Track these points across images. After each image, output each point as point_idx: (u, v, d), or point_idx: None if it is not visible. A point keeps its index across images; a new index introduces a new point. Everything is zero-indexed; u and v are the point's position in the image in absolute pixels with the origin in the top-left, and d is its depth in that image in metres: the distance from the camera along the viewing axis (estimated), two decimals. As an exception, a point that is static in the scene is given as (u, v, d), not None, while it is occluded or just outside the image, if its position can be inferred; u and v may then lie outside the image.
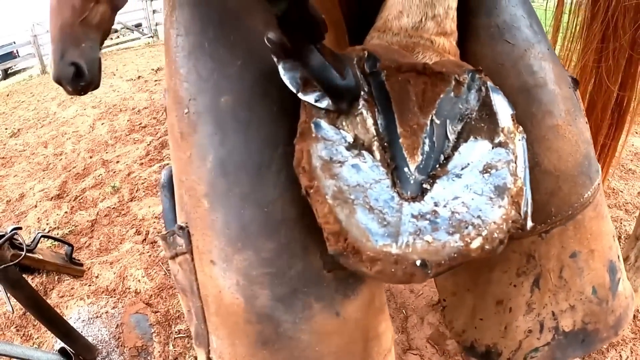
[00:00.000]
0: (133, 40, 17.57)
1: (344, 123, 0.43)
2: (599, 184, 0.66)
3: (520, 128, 0.43)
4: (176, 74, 0.59)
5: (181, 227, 0.57)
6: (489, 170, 0.40)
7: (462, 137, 0.43)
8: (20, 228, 1.52)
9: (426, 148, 0.42)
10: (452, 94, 0.46)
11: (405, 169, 0.41)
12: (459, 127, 0.44)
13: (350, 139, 0.42)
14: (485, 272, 0.67)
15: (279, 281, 0.49)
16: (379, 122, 0.44)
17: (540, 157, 0.60)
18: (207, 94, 0.55)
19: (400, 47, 0.56)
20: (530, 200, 0.38)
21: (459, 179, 0.40)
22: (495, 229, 0.36)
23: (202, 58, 0.57)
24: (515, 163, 0.40)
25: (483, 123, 0.44)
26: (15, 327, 2.34)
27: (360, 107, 0.45)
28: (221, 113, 0.53)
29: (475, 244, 0.36)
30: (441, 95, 0.46)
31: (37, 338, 2.26)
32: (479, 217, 0.37)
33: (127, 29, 18.89)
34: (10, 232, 1.41)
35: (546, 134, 0.61)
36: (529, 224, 0.37)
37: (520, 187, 0.38)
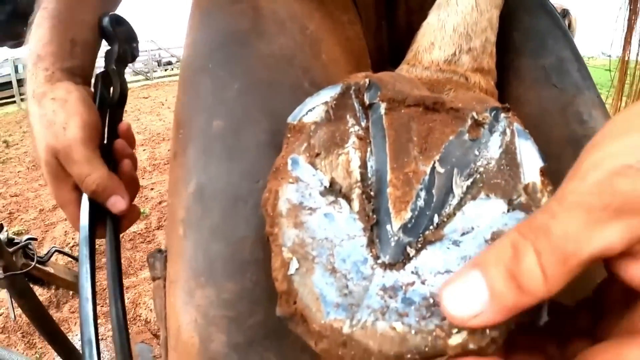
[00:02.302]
0: (187, 73, 18.28)
1: (323, 163, 0.35)
2: None
3: (551, 187, 0.33)
4: (180, 94, 0.56)
5: (160, 251, 0.52)
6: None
7: (470, 193, 0.34)
8: (35, 239, 1.51)
9: (420, 203, 0.33)
10: (466, 136, 0.37)
11: (388, 227, 0.32)
12: (470, 179, 0.34)
13: (326, 183, 0.33)
14: None
15: (237, 328, 0.42)
16: (368, 164, 0.35)
17: None
18: (201, 116, 0.50)
19: (430, 83, 0.50)
20: None
21: (456, 247, 0.30)
22: (490, 321, 0.26)
23: (204, 80, 0.53)
24: (536, 234, 0.30)
25: (501, 177, 0.34)
26: (22, 333, 2.34)
27: (348, 144, 0.36)
28: (210, 137, 0.49)
29: (456, 339, 0.26)
30: (451, 138, 0.37)
31: (40, 348, 2.24)
32: (470, 301, 0.27)
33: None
34: (25, 241, 1.39)
35: None
36: (544, 318, 0.27)
37: (537, 267, 0.28)
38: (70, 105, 0.55)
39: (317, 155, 0.35)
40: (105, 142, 0.61)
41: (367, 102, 0.39)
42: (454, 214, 0.33)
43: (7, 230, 1.29)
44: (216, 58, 0.53)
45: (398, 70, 0.54)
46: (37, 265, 1.42)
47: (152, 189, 3.82)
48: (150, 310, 2.33)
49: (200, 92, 0.52)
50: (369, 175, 0.35)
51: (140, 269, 2.59)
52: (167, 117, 7.48)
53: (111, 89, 0.64)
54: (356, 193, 0.34)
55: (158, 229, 3.01)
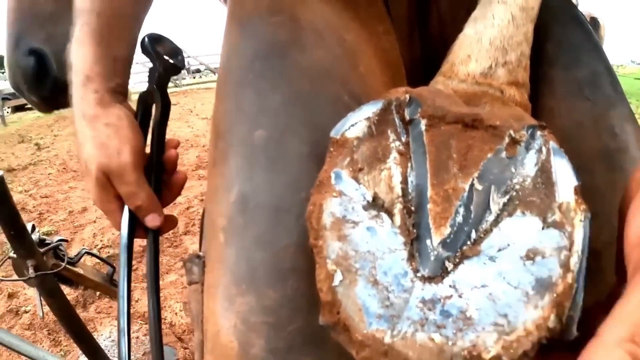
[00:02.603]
0: (213, 81, 18.53)
1: (366, 177, 0.36)
2: None
3: (584, 206, 0.33)
4: (220, 103, 0.58)
5: (198, 256, 0.54)
6: (533, 256, 0.31)
7: (506, 210, 0.35)
8: (66, 240, 1.55)
9: (459, 219, 0.34)
10: (503, 154, 0.38)
11: (428, 242, 0.33)
12: (506, 197, 0.35)
13: (369, 197, 0.35)
14: None
15: (276, 334, 0.43)
16: (409, 179, 0.36)
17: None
18: (243, 126, 0.52)
19: (466, 96, 0.51)
20: (580, 304, 0.29)
21: (492, 262, 0.31)
22: (523, 335, 0.27)
23: (245, 90, 0.54)
24: (570, 251, 0.31)
25: (536, 194, 0.35)
26: (48, 330, 2.39)
27: (390, 160, 0.37)
28: (253, 147, 0.50)
29: (490, 352, 0.27)
30: (489, 155, 0.38)
31: (65, 346, 2.28)
32: (505, 315, 0.28)
33: (209, 70, 20.00)
34: (56, 242, 1.43)
35: None
36: (573, 333, 0.29)
37: (570, 284, 0.29)
38: (123, 132, 0.63)
39: (360, 170, 0.37)
40: (151, 154, 0.69)
41: (407, 117, 0.40)
42: (491, 230, 0.34)
43: (38, 231, 1.32)
44: (257, 69, 0.55)
45: (433, 82, 0.55)
46: (67, 266, 1.46)
47: (180, 194, 3.88)
48: (175, 313, 2.36)
49: (241, 103, 0.54)
50: (410, 190, 0.36)
51: (167, 273, 2.62)
52: (195, 124, 7.54)
53: (154, 106, 0.71)
54: (398, 208, 0.35)
55: (185, 234, 3.04)
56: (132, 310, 2.32)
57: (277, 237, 0.45)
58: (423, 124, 0.40)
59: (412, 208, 0.35)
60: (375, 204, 0.35)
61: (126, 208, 0.67)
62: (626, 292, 0.27)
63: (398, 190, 0.36)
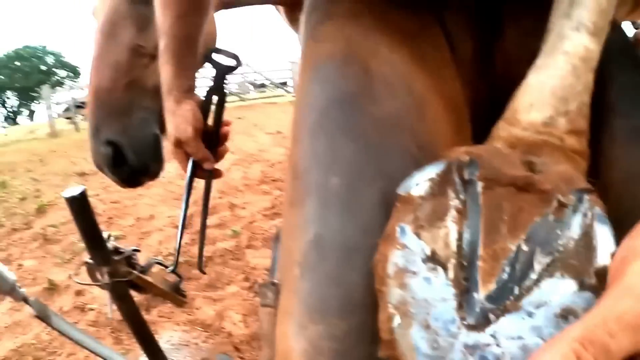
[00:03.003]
0: (278, 96, 18.81)
1: (426, 234, 0.43)
2: None
3: None
4: (296, 144, 0.64)
5: (273, 283, 0.61)
6: (567, 315, 0.36)
7: (548, 270, 0.40)
8: (139, 250, 1.64)
9: (504, 276, 0.40)
10: (551, 217, 0.43)
11: (475, 295, 0.39)
12: (549, 258, 0.41)
13: (428, 252, 0.41)
14: None
15: (342, 359, 0.49)
16: (464, 236, 0.42)
17: None
18: (318, 171, 0.58)
19: (527, 144, 0.54)
20: None
21: (529, 318, 0.37)
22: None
23: (320, 137, 0.61)
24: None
25: (577, 258, 0.40)
26: (111, 328, 2.51)
27: (448, 218, 0.43)
28: (328, 192, 0.56)
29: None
30: (537, 219, 0.43)
31: (127, 345, 2.40)
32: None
33: (274, 85, 20.36)
34: (129, 251, 1.53)
35: None
36: None
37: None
38: (189, 119, 1.00)
39: (422, 227, 0.43)
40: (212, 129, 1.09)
41: (466, 177, 0.46)
42: (532, 288, 0.39)
43: (112, 240, 1.42)
44: (332, 117, 0.61)
45: (496, 128, 0.58)
46: (138, 274, 1.56)
47: (243, 207, 3.97)
48: (234, 324, 2.45)
49: (316, 149, 0.60)
50: (464, 246, 0.42)
51: (228, 284, 2.71)
52: (259, 139, 7.67)
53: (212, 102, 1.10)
54: (452, 262, 0.41)
55: (247, 247, 3.14)
56: (192, 317, 2.44)
57: (347, 275, 0.51)
58: (480, 186, 0.45)
59: (465, 263, 0.41)
60: (433, 258, 0.42)
61: (191, 160, 1.06)
62: (597, 301, 0.32)
63: (453, 247, 0.42)
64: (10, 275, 0.99)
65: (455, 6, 0.75)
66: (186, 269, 2.90)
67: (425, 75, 0.67)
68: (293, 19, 2.59)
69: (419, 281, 0.40)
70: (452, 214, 0.44)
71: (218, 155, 1.11)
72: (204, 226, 1.28)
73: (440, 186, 0.46)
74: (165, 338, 2.36)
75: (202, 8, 1.01)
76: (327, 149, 0.59)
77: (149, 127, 1.31)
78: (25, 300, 1.04)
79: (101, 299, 2.74)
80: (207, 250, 3.13)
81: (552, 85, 0.55)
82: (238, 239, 3.25)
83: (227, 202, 4.12)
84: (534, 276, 0.40)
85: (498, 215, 0.44)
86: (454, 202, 0.45)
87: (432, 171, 0.47)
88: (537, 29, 0.61)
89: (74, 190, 1.03)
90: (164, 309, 2.68)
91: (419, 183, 0.46)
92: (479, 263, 0.41)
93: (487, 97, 0.75)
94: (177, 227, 3.49)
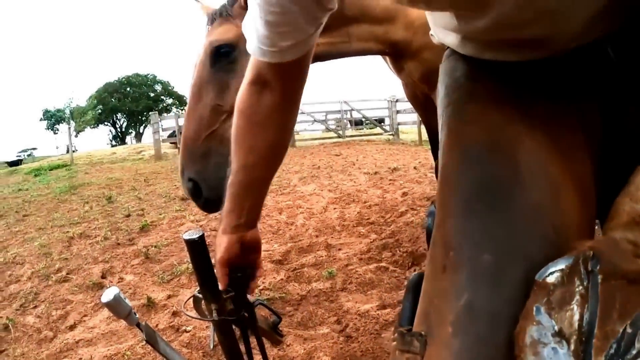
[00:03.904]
0: (375, 134, 18.92)
1: (556, 315, 0.55)
2: None
3: None
4: (448, 217, 0.76)
5: (421, 335, 0.70)
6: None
7: None
8: (249, 292, 1.78)
9: (611, 351, 0.51)
10: (651, 306, 0.53)
11: (589, 365, 0.51)
12: (646, 337, 0.51)
13: (556, 328, 0.54)
14: None
15: None
16: (584, 318, 0.54)
17: None
18: (471, 246, 0.70)
19: None
20: None
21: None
22: None
23: (473, 216, 0.73)
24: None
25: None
26: (203, 352, 2.65)
27: (574, 302, 0.55)
28: (479, 267, 0.68)
29: None
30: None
31: None
32: None
33: (371, 122, 20.56)
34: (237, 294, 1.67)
35: None
36: None
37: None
38: (225, 248, 1.17)
39: (553, 308, 0.56)
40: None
41: (589, 269, 0.58)
42: None
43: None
44: (483, 200, 0.73)
45: (620, 203, 0.65)
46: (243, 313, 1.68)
47: (339, 249, 4.02)
48: (322, 365, 2.54)
49: (469, 226, 0.72)
50: (584, 326, 0.54)
51: (319, 325, 2.76)
52: (357, 179, 7.70)
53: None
54: (574, 338, 0.54)
55: (342, 290, 3.17)
56: (282, 353, 2.56)
57: (495, 338, 0.62)
58: (599, 277, 0.57)
59: (583, 339, 0.54)
60: (560, 333, 0.54)
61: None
62: None
63: (576, 326, 0.54)
64: (128, 302, 1.11)
65: (589, 91, 0.85)
66: (280, 305, 3.05)
67: (560, 158, 0.77)
68: (398, 67, 2.79)
69: (548, 350, 0.53)
70: (577, 299, 0.56)
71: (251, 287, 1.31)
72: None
73: (569, 276, 0.58)
74: (256, 369, 2.48)
75: (267, 162, 1.17)
76: (479, 228, 0.71)
77: (222, 170, 1.67)
78: (138, 325, 1.15)
79: (197, 322, 2.87)
80: (302, 289, 3.25)
81: None
82: (333, 281, 3.32)
83: (323, 242, 4.24)
84: (634, 351, 0.51)
85: (612, 303, 0.55)
86: (579, 289, 0.57)
87: (562, 263, 0.60)
88: None
89: (193, 233, 1.15)
90: (254, 340, 2.79)
91: (552, 272, 0.59)
92: (594, 341, 0.53)
93: (612, 171, 0.83)
94: (273, 261, 3.66)
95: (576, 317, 0.55)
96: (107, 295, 1.07)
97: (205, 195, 1.84)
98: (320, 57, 2.35)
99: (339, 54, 2.39)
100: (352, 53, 2.40)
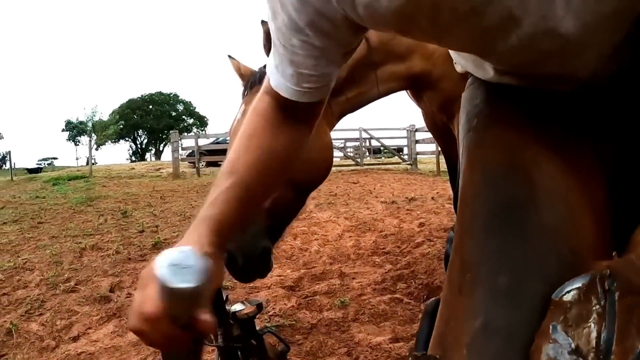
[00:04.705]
0: (393, 163, 18.97)
1: (572, 333, 0.55)
2: None
3: None
4: (467, 236, 0.77)
5: (436, 358, 0.71)
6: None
7: None
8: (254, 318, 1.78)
9: None
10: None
11: (606, 382, 0.51)
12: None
13: (573, 346, 0.54)
14: None
15: None
16: (602, 335, 0.54)
17: None
18: (487, 270, 0.71)
19: None
20: None
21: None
22: None
23: (490, 237, 0.74)
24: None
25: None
26: None
27: (591, 320, 0.55)
28: (496, 288, 0.68)
29: None
30: None
31: None
32: None
33: (389, 151, 20.65)
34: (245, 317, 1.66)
35: None
36: None
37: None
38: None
39: (570, 326, 0.56)
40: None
41: (606, 287, 0.58)
42: None
43: (231, 303, 1.49)
44: (501, 221, 0.74)
45: (637, 233, 0.67)
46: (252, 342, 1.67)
47: (353, 278, 3.96)
48: (331, 394, 2.50)
49: (487, 247, 0.73)
50: (601, 343, 0.54)
51: (329, 355, 2.70)
52: (374, 207, 7.68)
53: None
54: (591, 356, 0.53)
55: (354, 320, 3.10)
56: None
57: (509, 357, 0.62)
58: (616, 295, 0.57)
59: (601, 357, 0.53)
60: (577, 351, 0.54)
61: None
62: None
63: (593, 344, 0.54)
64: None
65: (603, 123, 0.86)
66: (290, 333, 3.02)
67: (576, 182, 0.78)
68: (417, 97, 2.85)
69: None
70: (594, 317, 0.56)
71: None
72: None
73: (585, 294, 0.58)
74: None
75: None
76: (497, 249, 0.72)
77: (258, 241, 1.90)
78: None
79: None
80: (313, 317, 3.21)
81: None
82: (345, 311, 3.27)
83: (337, 270, 4.19)
84: None
85: (629, 319, 0.55)
86: (596, 307, 0.57)
87: (579, 282, 0.60)
88: None
89: None
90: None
91: (569, 291, 0.59)
92: (612, 357, 0.53)
93: (626, 197, 0.86)
94: (285, 287, 3.63)
95: (593, 334, 0.55)
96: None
97: (239, 265, 1.93)
98: (353, 108, 2.45)
99: (368, 101, 2.47)
100: (379, 97, 2.48)
